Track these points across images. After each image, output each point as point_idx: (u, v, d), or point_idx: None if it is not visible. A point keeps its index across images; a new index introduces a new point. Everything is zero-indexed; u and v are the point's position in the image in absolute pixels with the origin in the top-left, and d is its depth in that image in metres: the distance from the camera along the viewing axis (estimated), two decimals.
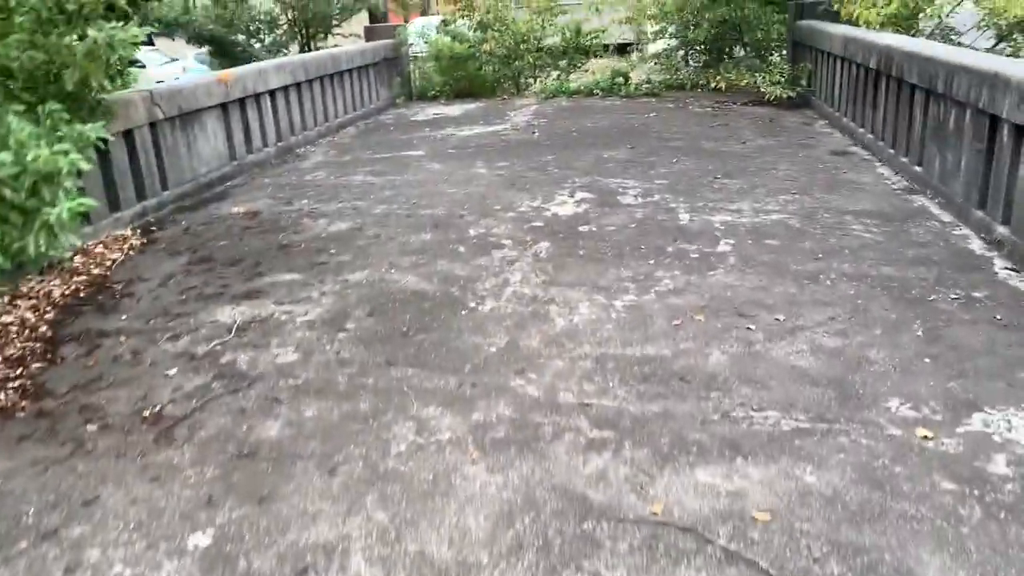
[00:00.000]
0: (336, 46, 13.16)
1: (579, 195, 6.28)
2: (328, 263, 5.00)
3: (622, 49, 14.90)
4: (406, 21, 18.65)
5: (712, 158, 7.29)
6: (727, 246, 4.89)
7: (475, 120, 10.30)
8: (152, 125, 6.50)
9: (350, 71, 10.74)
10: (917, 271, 4.33)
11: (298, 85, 9.16)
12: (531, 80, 12.90)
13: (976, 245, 4.68)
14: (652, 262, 4.68)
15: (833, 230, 5.09)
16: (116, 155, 6.04)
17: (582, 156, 7.67)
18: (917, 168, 5.99)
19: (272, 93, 8.56)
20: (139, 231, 5.97)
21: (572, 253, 4.90)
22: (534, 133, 9.10)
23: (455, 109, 11.44)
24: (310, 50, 12.49)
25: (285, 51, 12.00)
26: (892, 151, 6.59)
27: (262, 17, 11.71)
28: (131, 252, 5.51)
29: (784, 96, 9.61)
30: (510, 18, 12.13)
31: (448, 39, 12.16)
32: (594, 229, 5.39)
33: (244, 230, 5.87)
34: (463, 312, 4.12)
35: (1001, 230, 4.53)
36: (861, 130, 7.51)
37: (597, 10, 11.47)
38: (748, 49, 11.57)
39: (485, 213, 5.92)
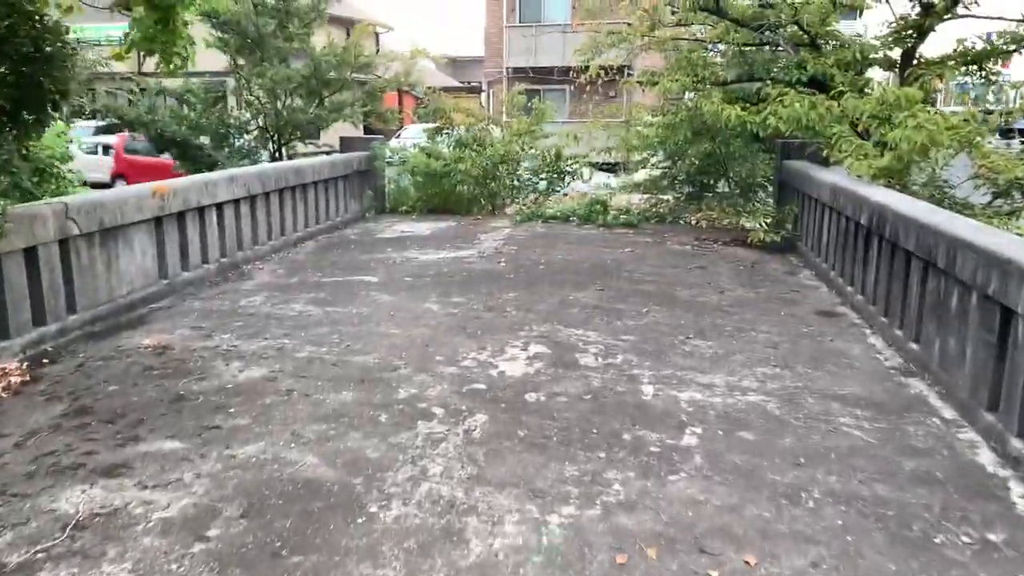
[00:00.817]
0: (309, 154, 12.73)
1: (534, 348, 5.57)
2: (221, 428, 4.21)
3: (608, 168, 14.58)
4: (400, 127, 18.44)
5: (686, 310, 6.63)
6: (693, 437, 4.14)
7: (442, 242, 9.70)
8: (63, 242, 5.81)
9: (316, 183, 10.21)
10: (918, 494, 3.58)
11: (252, 198, 8.57)
12: (508, 201, 12.43)
13: (987, 459, 3.94)
14: (603, 455, 3.91)
15: (818, 422, 4.36)
16: (11, 275, 5.32)
17: (546, 297, 7.01)
18: (913, 345, 5.33)
19: (220, 206, 7.95)
20: (27, 364, 5.19)
21: (511, 434, 4.14)
22: (500, 263, 8.47)
23: (425, 227, 10.88)
24: (281, 158, 12.02)
25: (252, 159, 11.49)
26: (885, 319, 5.95)
27: (231, 122, 11.24)
28: (3, 393, 4.71)
29: (768, 240, 9.08)
30: (489, 139, 11.74)
31: (424, 155, 11.72)
32: (543, 399, 4.64)
33: (144, 371, 5.09)
34: (359, 521, 3.31)
35: (1018, 444, 3.81)
36: (850, 289, 6.91)
37: (575, 138, 11.08)
38: (732, 185, 11.16)
39: (423, 366, 5.18)
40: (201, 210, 7.63)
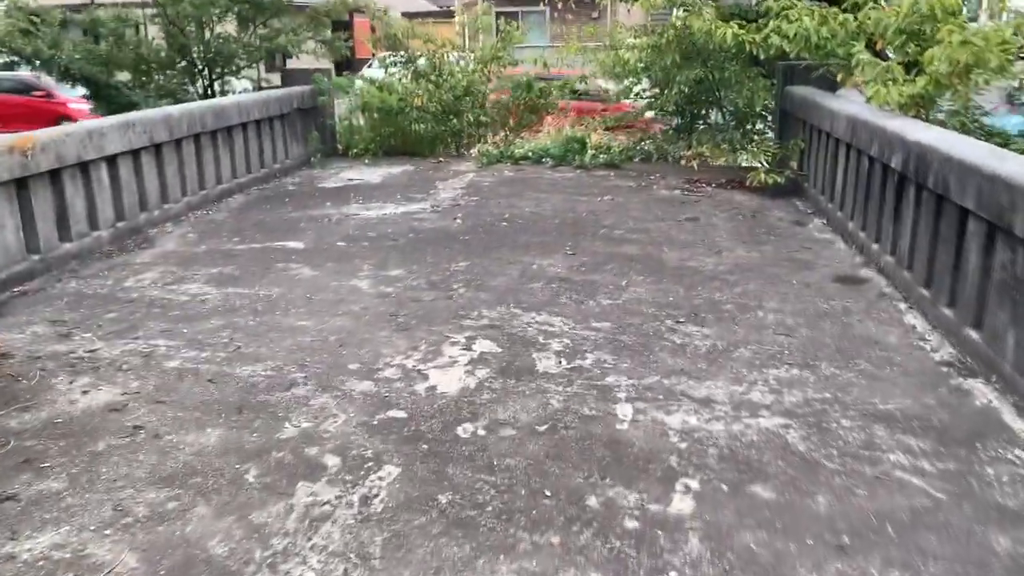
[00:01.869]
0: (247, 90, 11.21)
1: (479, 346, 4.31)
2: (17, 500, 2.96)
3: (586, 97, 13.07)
4: (354, 57, 16.70)
5: (676, 280, 5.36)
6: (688, 498, 2.92)
7: (392, 193, 8.34)
8: None
9: (244, 126, 8.76)
10: None
11: (157, 147, 7.16)
12: (474, 140, 11.00)
13: None
14: (557, 541, 2.69)
15: (860, 463, 3.14)
16: None
17: (504, 267, 5.71)
18: (972, 333, 4.08)
19: (112, 159, 6.56)
20: None
21: (428, 503, 2.90)
22: (455, 219, 7.14)
23: (376, 174, 9.49)
24: (212, 95, 10.51)
25: (175, 99, 9.95)
26: (926, 292, 4.70)
27: (148, 56, 9.68)
28: None
29: (770, 181, 7.76)
30: (448, 69, 10.24)
31: (376, 89, 10.23)
32: (481, 434, 3.39)
33: None
34: None
35: None
36: (875, 247, 5.63)
37: (545, 65, 9.61)
38: (726, 116, 9.76)
39: (329, 380, 3.92)
40: (85, 165, 6.23)
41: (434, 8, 43.41)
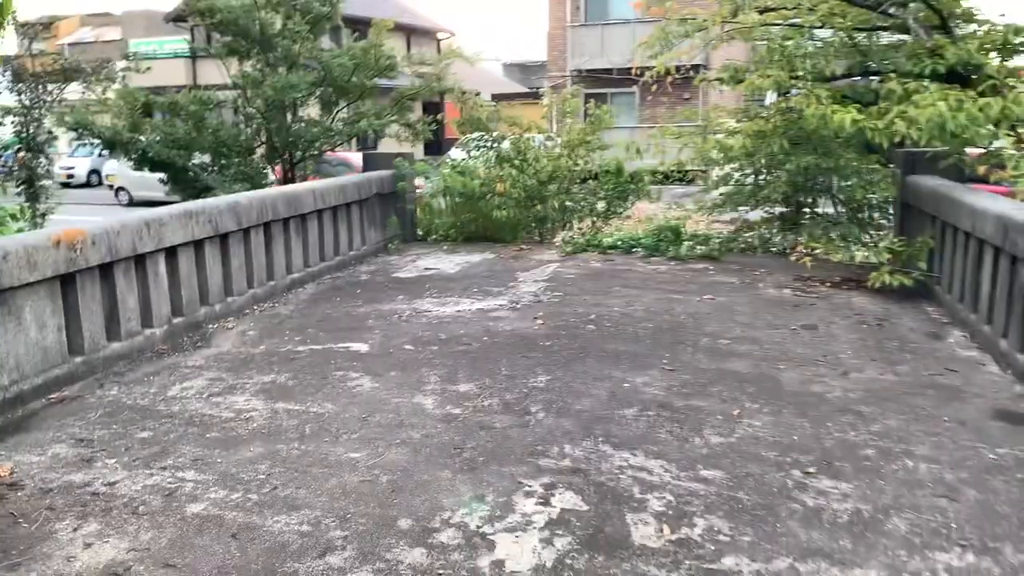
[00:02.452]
0: (332, 174, 10.92)
1: (560, 500, 3.52)
2: None
3: (680, 179, 12.32)
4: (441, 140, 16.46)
5: (798, 411, 4.48)
6: None
7: (469, 285, 7.72)
8: None
9: (319, 213, 8.37)
10: None
11: (223, 237, 6.75)
12: (558, 226, 10.38)
13: None
14: None
15: None
16: None
17: (591, 383, 4.94)
18: None
19: (172, 251, 6.15)
20: None
21: None
22: (536, 320, 6.44)
23: (454, 262, 8.93)
24: (293, 180, 10.24)
25: (254, 183, 9.70)
26: None
27: (227, 139, 9.48)
28: None
29: (895, 284, 6.81)
30: (532, 153, 9.72)
31: (456, 174, 9.77)
32: None
33: None
34: None
35: None
36: None
37: (638, 151, 8.96)
38: (838, 205, 8.87)
39: (372, 545, 3.18)
40: (141, 258, 5.83)
41: (524, 90, 43.99)
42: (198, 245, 6.46)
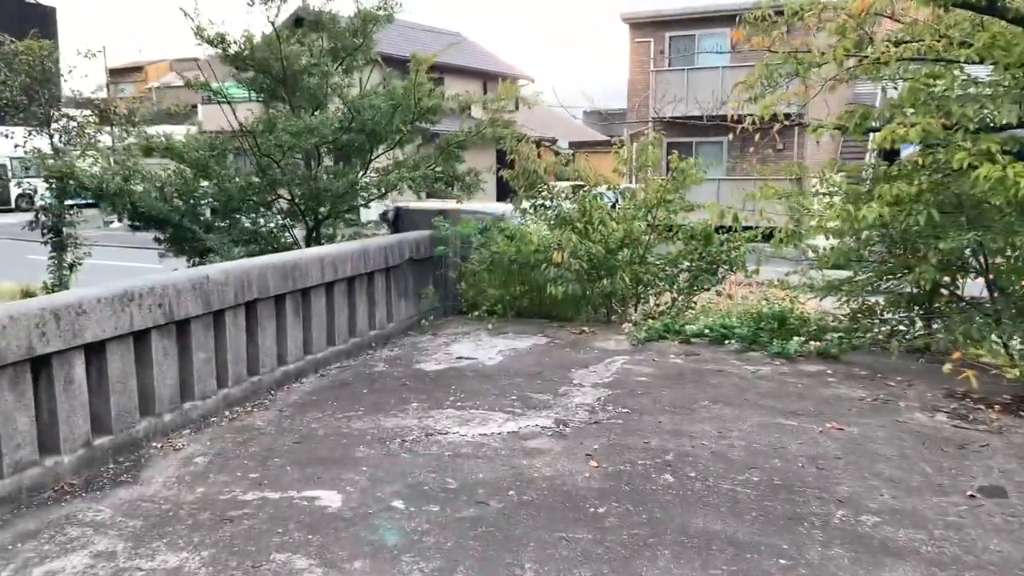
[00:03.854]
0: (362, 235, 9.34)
1: None
2: None
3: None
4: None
5: None
6: None
7: (507, 388, 5.92)
8: None
9: (331, 285, 6.74)
10: None
11: (180, 324, 5.14)
12: (631, 302, 8.50)
13: None
14: None
15: None
16: None
17: None
18: None
19: (98, 346, 4.55)
20: None
21: None
22: (590, 459, 4.57)
23: (496, 347, 7.16)
24: (318, 242, 8.67)
25: (272, 245, 8.16)
26: None
27: (235, 193, 7.95)
28: None
29: None
30: (599, 215, 7.91)
31: (505, 237, 8.04)
32: None
33: None
34: None
35: None
36: None
37: (735, 219, 7.05)
38: (996, 293, 6.74)
39: None
40: (43, 360, 4.24)
41: (603, 138, 42.37)
42: (140, 337, 4.85)
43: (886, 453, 4.64)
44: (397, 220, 8.98)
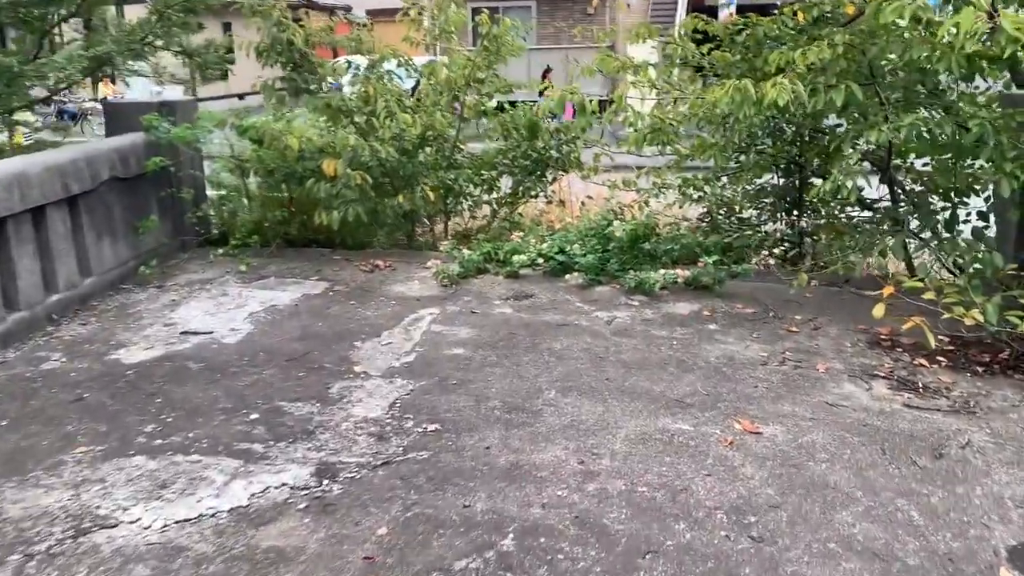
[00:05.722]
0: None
1: None
2: None
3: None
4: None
5: None
6: None
7: (251, 391, 3.77)
8: None
9: None
10: None
11: None
12: (439, 219, 6.44)
13: None
14: None
15: None
16: None
17: None
18: None
19: None
20: None
21: None
22: (365, 552, 2.56)
23: (245, 310, 4.93)
24: None
25: None
26: None
27: None
28: None
29: None
30: (384, 106, 5.60)
31: (252, 141, 5.62)
32: None
33: None
34: None
35: None
36: None
37: (586, 111, 5.01)
38: (900, 191, 5.21)
39: None
40: None
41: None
42: None
43: (839, 483, 2.95)
44: (109, 120, 6.30)
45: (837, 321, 4.54)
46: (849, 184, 4.06)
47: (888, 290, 3.97)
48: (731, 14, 14.43)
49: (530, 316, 4.72)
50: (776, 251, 5.42)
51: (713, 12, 15.13)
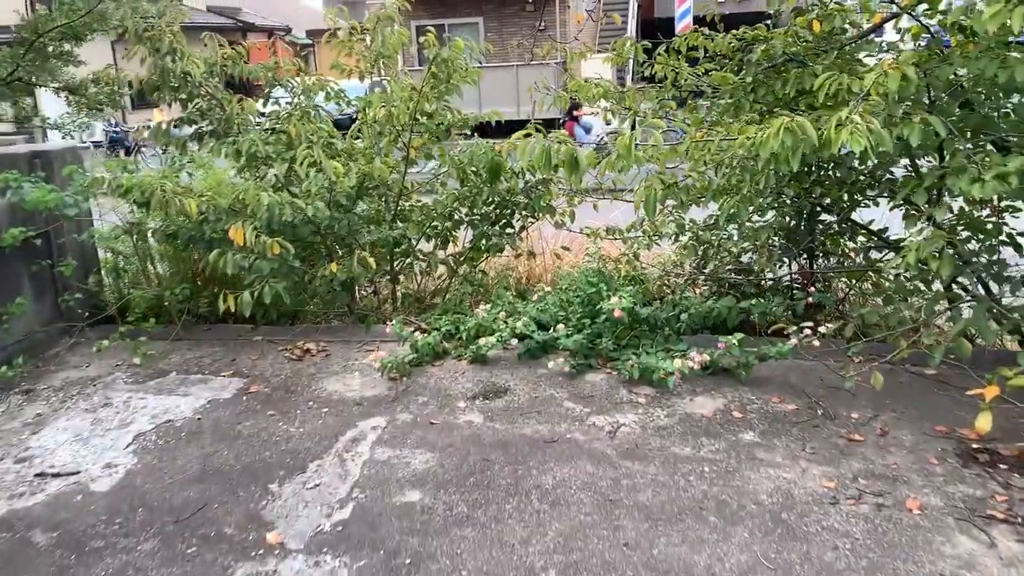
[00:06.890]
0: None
1: None
2: None
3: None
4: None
5: None
6: None
7: None
8: None
9: None
10: None
11: None
12: (385, 286, 5.27)
13: None
14: None
15: None
16: None
17: None
18: None
19: None
20: None
21: None
22: None
23: (129, 431, 3.72)
24: None
25: None
26: None
27: None
28: None
29: None
30: (305, 155, 4.40)
31: (139, 191, 4.38)
32: None
33: None
34: None
35: None
36: None
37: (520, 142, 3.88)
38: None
39: None
40: None
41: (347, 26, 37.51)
42: None
43: None
44: None
45: (906, 419, 3.49)
46: (935, 263, 3.01)
47: (992, 391, 2.95)
48: (687, 26, 13.55)
49: (507, 428, 3.58)
50: (807, 322, 4.35)
51: (666, 26, 14.17)
